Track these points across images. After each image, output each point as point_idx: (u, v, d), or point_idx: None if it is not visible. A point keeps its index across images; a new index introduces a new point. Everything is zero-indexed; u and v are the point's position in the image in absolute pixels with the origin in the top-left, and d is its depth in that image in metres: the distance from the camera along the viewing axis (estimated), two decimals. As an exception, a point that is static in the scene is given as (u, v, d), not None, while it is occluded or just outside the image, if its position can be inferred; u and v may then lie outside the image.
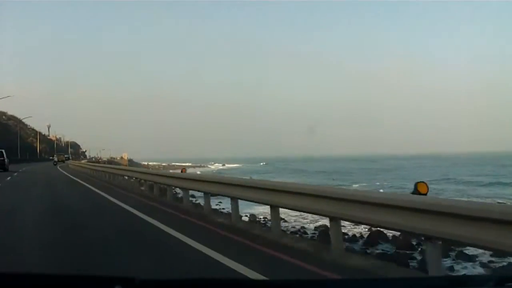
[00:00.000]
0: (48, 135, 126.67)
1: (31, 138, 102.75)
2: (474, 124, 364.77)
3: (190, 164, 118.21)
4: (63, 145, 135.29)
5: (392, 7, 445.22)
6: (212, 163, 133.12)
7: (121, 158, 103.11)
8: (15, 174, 33.78)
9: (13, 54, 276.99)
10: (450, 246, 10.18)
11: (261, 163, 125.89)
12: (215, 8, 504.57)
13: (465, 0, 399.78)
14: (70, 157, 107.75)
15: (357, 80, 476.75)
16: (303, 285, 1.73)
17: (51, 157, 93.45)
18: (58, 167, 49.35)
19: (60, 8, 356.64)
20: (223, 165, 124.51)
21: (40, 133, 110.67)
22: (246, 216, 15.94)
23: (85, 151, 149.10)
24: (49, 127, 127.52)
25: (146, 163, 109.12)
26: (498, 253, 8.76)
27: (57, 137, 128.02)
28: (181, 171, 16.95)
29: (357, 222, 7.72)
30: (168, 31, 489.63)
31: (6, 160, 40.55)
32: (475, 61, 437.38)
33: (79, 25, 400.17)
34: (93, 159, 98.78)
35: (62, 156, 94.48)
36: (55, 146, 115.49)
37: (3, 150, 41.37)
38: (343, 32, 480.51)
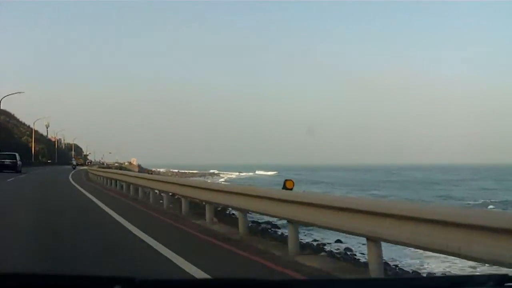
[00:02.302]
0: (47, 136, 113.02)
1: (25, 137, 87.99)
2: (470, 136, 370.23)
3: (196, 171, 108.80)
4: (63, 147, 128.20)
5: (391, 15, 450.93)
6: (215, 171, 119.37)
7: (130, 163, 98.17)
8: None
9: (14, 54, 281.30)
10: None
11: (269, 172, 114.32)
12: (219, 12, 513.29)
13: (467, 4, 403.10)
14: (92, 161, 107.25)
15: (356, 89, 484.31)
16: (303, 285, 1.81)
17: (49, 161, 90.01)
18: (71, 180, 30.85)
19: (69, 9, 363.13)
20: (240, 172, 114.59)
21: (36, 131, 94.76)
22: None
23: (88, 154, 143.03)
24: (47, 126, 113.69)
25: (155, 169, 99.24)
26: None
27: (57, 138, 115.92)
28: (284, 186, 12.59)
29: None
30: (174, 34, 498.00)
31: (18, 163, 44.26)
32: (476, 68, 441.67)
33: (83, 25, 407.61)
34: (105, 164, 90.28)
35: (81, 159, 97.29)
36: (56, 147, 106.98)
37: (16, 154, 46.00)
38: (345, 41, 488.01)
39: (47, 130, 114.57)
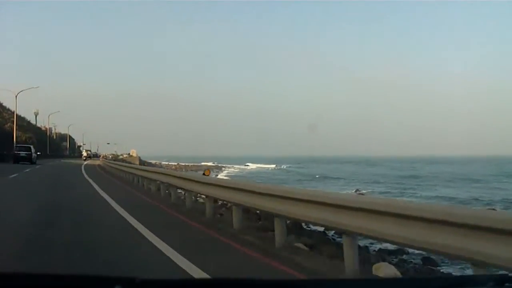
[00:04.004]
0: (35, 124, 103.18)
1: (10, 124, 73.16)
2: (469, 128, 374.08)
3: (191, 164, 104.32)
4: (55, 137, 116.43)
5: (391, 10, 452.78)
6: (214, 163, 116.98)
7: (129, 155, 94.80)
8: None
9: (6, 48, 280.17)
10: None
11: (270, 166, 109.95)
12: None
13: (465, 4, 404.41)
14: (98, 154, 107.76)
15: (357, 83, 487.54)
16: (303, 285, 1.87)
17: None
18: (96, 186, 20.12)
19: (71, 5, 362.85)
20: (246, 165, 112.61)
21: (23, 118, 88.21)
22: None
23: (81, 145, 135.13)
24: (36, 114, 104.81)
25: (156, 162, 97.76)
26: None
27: (47, 127, 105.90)
28: None
29: None
30: (175, 29, 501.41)
31: (33, 155, 48.42)
32: (476, 63, 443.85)
33: (82, 19, 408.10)
34: (110, 156, 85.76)
35: (88, 151, 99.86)
36: (48, 137, 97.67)
37: (31, 146, 51.42)
38: (347, 36, 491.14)
39: (35, 119, 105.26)
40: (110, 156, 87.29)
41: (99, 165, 47.73)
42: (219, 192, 10.35)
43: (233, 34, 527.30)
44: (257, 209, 9.63)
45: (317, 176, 69.16)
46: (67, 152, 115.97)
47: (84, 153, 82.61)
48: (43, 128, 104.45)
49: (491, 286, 1.86)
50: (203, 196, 12.38)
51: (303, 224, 12.43)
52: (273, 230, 7.91)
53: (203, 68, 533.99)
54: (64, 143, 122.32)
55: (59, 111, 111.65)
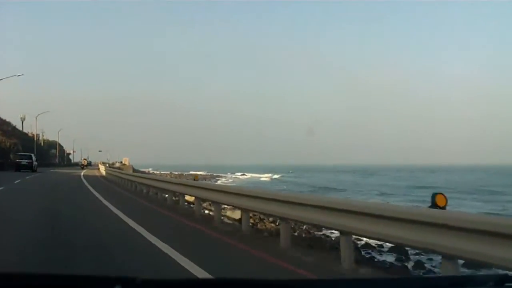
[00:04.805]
0: (22, 129, 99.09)
1: None
2: (468, 136, 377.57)
3: (185, 173, 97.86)
4: (42, 143, 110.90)
5: (390, 14, 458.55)
6: (206, 172, 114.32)
7: (122, 164, 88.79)
8: None
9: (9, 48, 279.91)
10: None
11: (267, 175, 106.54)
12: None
13: (465, 5, 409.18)
14: (92, 162, 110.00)
15: (356, 84, 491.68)
16: (303, 285, 1.90)
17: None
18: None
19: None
20: (242, 174, 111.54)
21: (8, 123, 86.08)
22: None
23: (70, 153, 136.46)
24: (23, 119, 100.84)
25: (149, 170, 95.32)
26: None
27: (35, 132, 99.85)
28: None
29: None
30: (168, 34, 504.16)
31: (34, 163, 50.59)
32: (477, 65, 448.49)
33: (75, 24, 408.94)
34: (107, 164, 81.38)
35: (86, 160, 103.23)
36: (36, 143, 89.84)
37: (32, 154, 53.36)
38: (347, 36, 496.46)
39: (22, 124, 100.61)
40: (107, 165, 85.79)
41: (102, 176, 43.12)
42: (264, 206, 9.17)
43: (233, 34, 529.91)
44: (320, 225, 9.08)
45: (319, 187, 64.83)
46: (57, 160, 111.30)
47: (83, 162, 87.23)
48: (29, 134, 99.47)
49: (491, 286, 1.89)
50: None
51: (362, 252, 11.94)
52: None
53: (202, 69, 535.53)
54: (53, 151, 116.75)
55: (48, 111, 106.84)
